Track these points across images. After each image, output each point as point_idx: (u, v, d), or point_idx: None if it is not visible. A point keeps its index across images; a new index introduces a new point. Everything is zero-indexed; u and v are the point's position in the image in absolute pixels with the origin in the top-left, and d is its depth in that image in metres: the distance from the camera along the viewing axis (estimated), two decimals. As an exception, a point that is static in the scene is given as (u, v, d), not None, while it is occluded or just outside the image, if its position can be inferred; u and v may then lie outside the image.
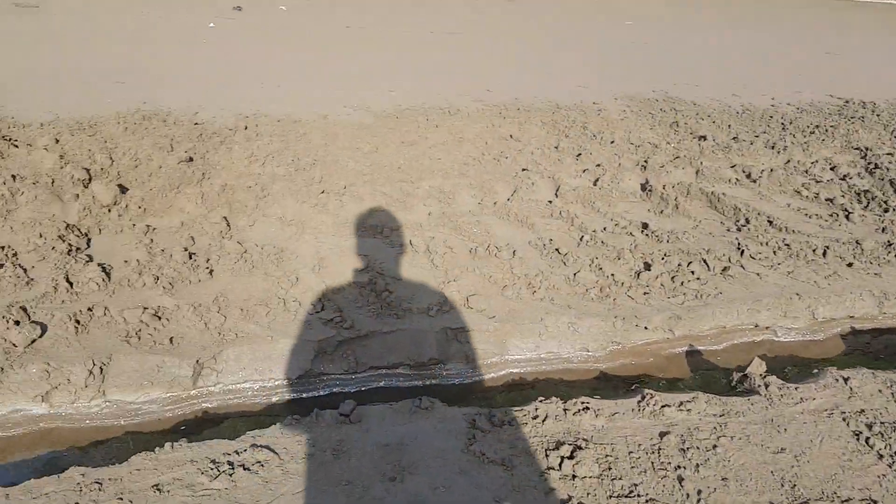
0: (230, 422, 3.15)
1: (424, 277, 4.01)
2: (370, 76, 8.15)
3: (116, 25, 9.46)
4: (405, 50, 9.87)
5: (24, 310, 3.29)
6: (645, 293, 4.04)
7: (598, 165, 5.62)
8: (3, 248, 3.71)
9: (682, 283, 4.15)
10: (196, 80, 7.19)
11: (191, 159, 4.85)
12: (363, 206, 4.73)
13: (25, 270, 3.59)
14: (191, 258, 3.93)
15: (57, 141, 4.72)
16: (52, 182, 4.23)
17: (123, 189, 4.42)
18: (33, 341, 3.17)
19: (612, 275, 4.16)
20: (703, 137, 6.65)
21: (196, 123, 5.70)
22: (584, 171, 5.55)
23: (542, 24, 13.69)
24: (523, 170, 5.46)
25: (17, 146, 4.60)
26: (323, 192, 4.80)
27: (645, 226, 4.87)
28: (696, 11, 18.20)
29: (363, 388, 3.43)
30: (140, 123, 5.40)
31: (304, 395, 3.34)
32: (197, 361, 3.24)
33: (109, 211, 4.22)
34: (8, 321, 3.15)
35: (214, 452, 2.63)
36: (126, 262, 3.82)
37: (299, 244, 4.24)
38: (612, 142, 6.26)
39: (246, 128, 5.72)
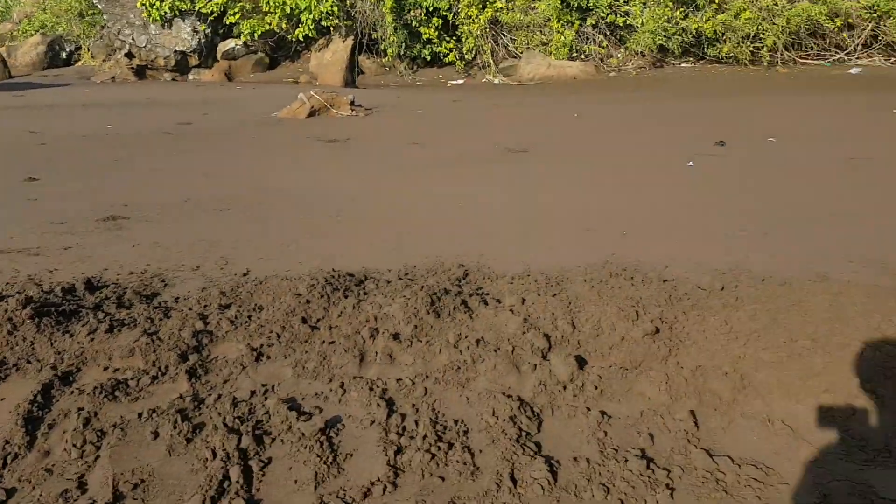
0: None
1: None
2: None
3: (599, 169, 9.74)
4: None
5: (465, 510, 2.95)
6: None
7: None
8: (456, 421, 3.55)
9: None
10: (666, 227, 6.68)
11: (657, 330, 4.19)
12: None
13: (473, 455, 3.32)
14: (648, 467, 3.17)
15: (523, 301, 4.60)
16: (513, 350, 4.03)
17: (581, 363, 3.98)
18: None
19: None
20: None
21: (665, 280, 5.08)
22: None
23: None
24: None
25: (486, 303, 4.62)
26: (826, 392, 3.57)
27: None
28: None
29: None
30: (606, 281, 5.02)
31: None
32: None
33: (565, 388, 3.79)
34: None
35: None
36: (575, 459, 3.27)
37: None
38: None
39: (722, 288, 4.85)
